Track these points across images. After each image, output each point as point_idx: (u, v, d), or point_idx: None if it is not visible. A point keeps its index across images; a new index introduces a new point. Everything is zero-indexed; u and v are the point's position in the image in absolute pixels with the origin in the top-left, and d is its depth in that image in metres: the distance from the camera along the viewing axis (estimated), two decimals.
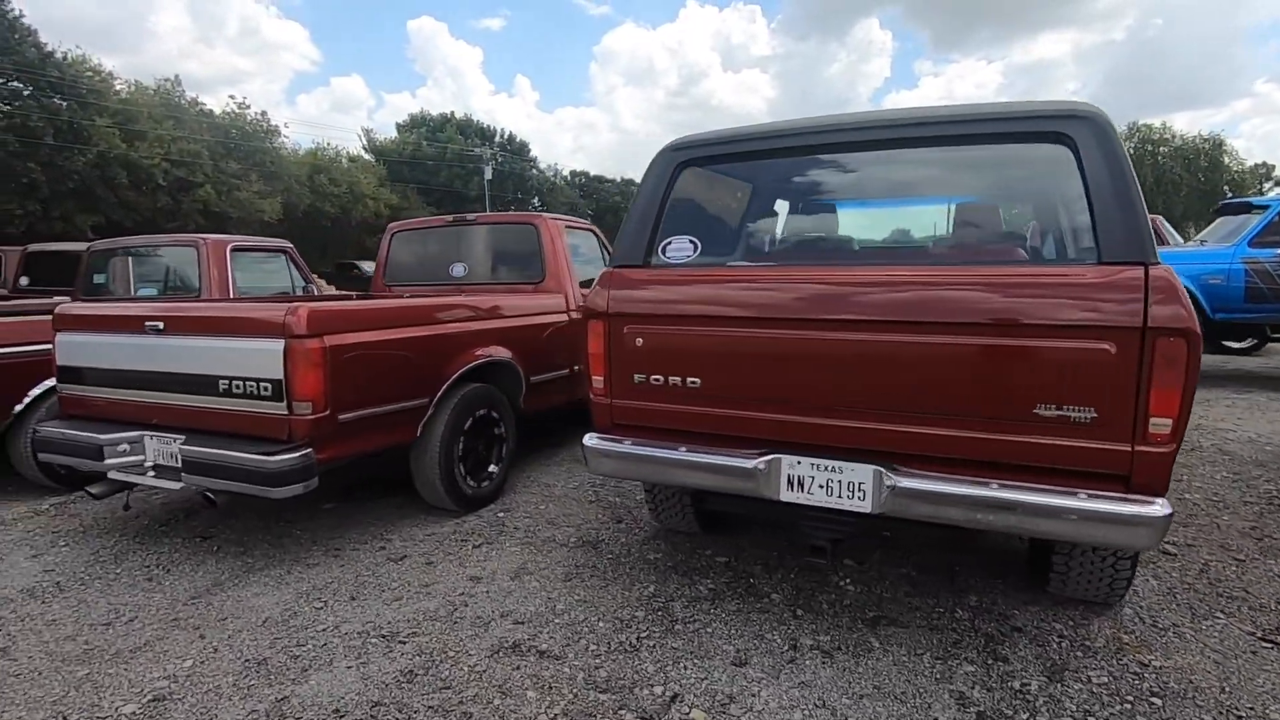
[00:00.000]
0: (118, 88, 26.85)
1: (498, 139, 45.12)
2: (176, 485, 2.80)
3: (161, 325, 2.90)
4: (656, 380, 2.33)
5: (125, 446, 2.98)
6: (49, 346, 3.88)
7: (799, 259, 2.53)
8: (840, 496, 2.08)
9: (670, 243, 2.42)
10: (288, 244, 5.61)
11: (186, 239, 5.05)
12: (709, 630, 2.36)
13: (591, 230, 4.93)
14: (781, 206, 2.72)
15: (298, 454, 2.62)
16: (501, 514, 3.50)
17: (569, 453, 4.62)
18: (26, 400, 3.76)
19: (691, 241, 2.39)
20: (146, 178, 25.16)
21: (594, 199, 62.60)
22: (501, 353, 3.63)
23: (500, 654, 2.23)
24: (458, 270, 4.67)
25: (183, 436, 2.84)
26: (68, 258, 7.68)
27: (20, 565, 2.95)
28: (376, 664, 2.18)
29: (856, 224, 2.74)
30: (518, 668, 2.15)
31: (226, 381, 2.74)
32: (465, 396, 3.40)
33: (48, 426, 3.19)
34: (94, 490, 3.11)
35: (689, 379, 2.28)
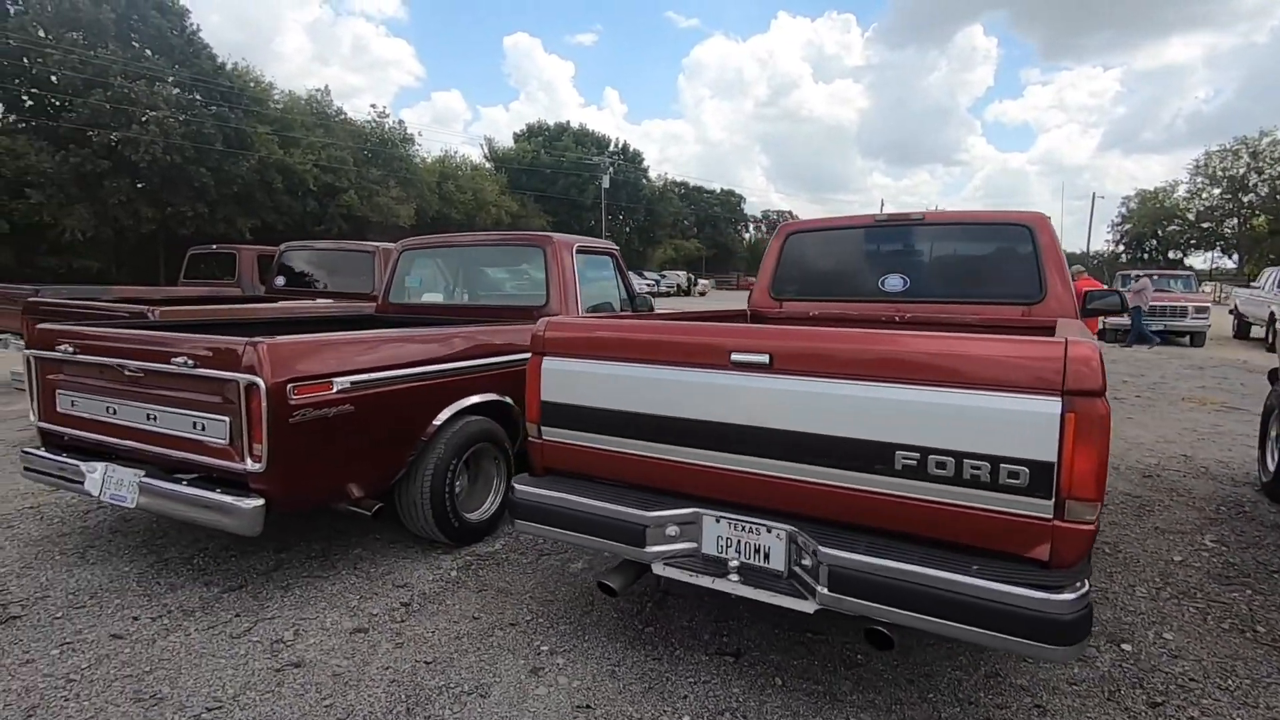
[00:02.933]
0: (275, 97, 28.24)
1: (612, 148, 45.00)
2: (809, 608, 1.83)
3: (767, 359, 1.95)
4: None
5: (675, 530, 2.07)
6: (454, 366, 3.14)
7: None
8: None
9: None
10: (614, 246, 4.76)
11: (529, 237, 4.26)
12: None
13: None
14: None
15: (1077, 594, 1.58)
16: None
17: None
18: (428, 433, 2.98)
19: None
20: (299, 183, 26.20)
21: (695, 209, 61.89)
22: None
23: None
24: (893, 283, 3.61)
25: (787, 527, 1.89)
26: (313, 257, 7.29)
27: (536, 693, 2.07)
28: None
29: None
30: None
31: (914, 456, 1.75)
32: None
33: (527, 487, 2.33)
34: (612, 584, 2.21)
35: None
